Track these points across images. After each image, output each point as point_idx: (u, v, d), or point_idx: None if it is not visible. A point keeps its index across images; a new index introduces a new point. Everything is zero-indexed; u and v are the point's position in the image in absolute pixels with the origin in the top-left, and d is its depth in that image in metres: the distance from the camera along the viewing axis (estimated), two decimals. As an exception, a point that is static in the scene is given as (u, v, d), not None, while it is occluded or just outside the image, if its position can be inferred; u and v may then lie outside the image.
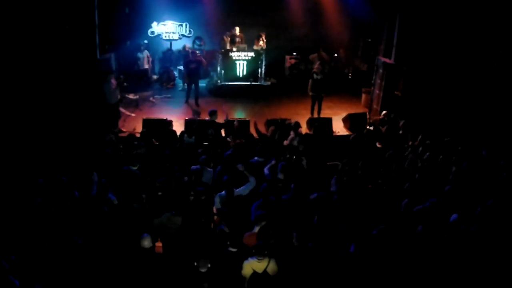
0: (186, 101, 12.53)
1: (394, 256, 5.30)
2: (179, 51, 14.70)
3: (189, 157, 7.79)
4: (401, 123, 9.62)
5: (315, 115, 11.72)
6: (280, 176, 6.92)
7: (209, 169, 7.32)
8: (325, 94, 11.85)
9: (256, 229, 5.66)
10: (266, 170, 7.15)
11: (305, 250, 5.29)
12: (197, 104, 12.27)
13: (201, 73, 13.06)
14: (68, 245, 5.02)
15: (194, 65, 11.69)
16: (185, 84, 12.91)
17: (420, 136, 8.72)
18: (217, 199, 6.44)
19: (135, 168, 7.00)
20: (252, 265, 5.09)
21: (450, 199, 6.37)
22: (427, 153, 7.90)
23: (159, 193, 6.51)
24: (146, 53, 13.85)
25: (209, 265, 4.96)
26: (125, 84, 12.69)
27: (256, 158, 7.60)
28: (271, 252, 5.20)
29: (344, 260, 5.21)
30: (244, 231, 5.70)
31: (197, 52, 13.33)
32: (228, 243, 5.34)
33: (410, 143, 8.99)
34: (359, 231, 5.57)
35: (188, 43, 14.46)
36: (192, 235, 5.78)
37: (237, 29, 14.01)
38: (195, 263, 4.95)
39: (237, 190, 6.49)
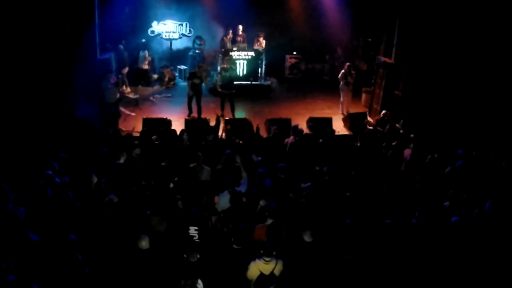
0: (190, 114, 11.53)
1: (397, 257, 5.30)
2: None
3: (189, 156, 7.78)
4: (401, 122, 9.61)
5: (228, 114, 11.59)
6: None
7: (206, 167, 7.31)
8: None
9: (269, 221, 5.56)
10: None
11: (317, 247, 5.15)
12: (199, 117, 11.32)
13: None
14: (64, 244, 5.01)
15: (198, 81, 11.45)
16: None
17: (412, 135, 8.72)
18: (222, 199, 6.35)
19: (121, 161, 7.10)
20: (258, 266, 4.90)
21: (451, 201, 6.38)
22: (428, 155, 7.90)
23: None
24: (146, 52, 13.83)
25: (198, 256, 4.97)
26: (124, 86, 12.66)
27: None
28: (279, 253, 5.05)
29: (350, 262, 5.16)
30: (248, 229, 5.61)
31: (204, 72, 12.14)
32: (232, 240, 5.25)
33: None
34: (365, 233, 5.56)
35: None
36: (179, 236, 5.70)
37: (240, 28, 13.94)
38: (185, 255, 4.97)
39: (237, 189, 6.49)
